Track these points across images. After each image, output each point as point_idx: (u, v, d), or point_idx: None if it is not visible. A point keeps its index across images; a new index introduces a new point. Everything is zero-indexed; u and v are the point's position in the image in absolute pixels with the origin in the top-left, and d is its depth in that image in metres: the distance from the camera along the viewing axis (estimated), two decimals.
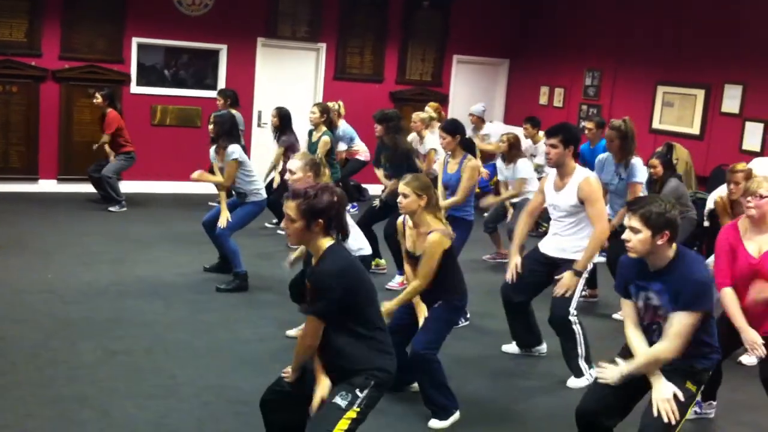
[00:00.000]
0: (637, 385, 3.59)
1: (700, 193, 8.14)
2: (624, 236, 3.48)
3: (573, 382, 5.17)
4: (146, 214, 9.25)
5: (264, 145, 10.54)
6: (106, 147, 9.28)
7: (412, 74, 11.71)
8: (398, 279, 6.80)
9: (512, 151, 7.75)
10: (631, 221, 3.45)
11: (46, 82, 9.80)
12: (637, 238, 3.42)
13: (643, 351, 3.54)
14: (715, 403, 4.80)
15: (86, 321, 5.68)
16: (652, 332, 3.60)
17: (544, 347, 5.64)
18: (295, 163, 5.18)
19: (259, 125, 10.99)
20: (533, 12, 11.88)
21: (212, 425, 4.28)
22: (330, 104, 8.98)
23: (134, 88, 9.98)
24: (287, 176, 5.28)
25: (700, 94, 9.07)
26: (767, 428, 4.78)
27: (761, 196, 4.21)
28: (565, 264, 5.08)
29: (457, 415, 4.51)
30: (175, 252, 7.69)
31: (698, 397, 4.73)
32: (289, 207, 3.30)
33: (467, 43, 11.92)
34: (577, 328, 5.09)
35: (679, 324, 3.41)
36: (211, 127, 6.68)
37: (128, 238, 8.08)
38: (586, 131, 8.02)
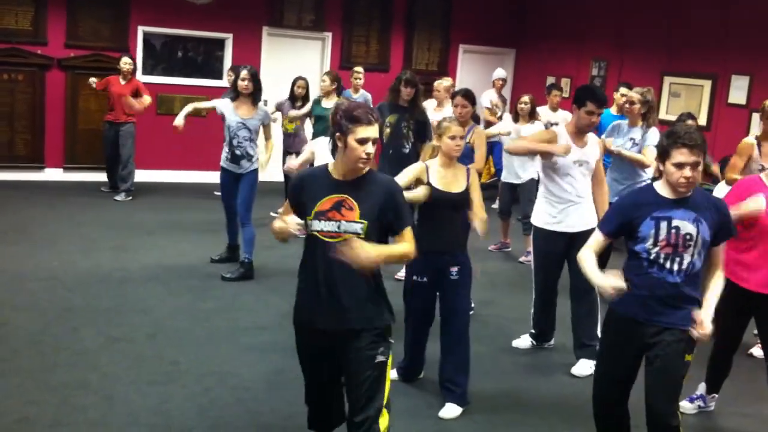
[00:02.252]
0: (637, 355, 3.56)
1: (705, 184, 8.07)
2: (687, 174, 3.24)
3: (578, 369, 5.16)
4: (151, 203, 9.25)
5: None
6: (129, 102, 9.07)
7: (418, 63, 11.65)
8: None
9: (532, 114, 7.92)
10: (691, 157, 3.24)
11: (51, 71, 9.80)
12: (699, 170, 3.29)
13: (708, 294, 3.44)
14: (717, 396, 4.78)
15: (88, 308, 5.69)
16: (672, 262, 3.36)
17: (552, 341, 5.65)
18: None
19: None
20: (539, 1, 11.81)
21: (213, 411, 4.29)
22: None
23: (140, 77, 9.96)
24: None
25: (707, 84, 9.01)
26: None
27: None
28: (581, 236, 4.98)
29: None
30: (179, 240, 7.70)
31: (702, 392, 4.75)
32: (376, 130, 3.24)
33: (473, 32, 11.87)
34: (596, 307, 5.15)
35: (721, 254, 3.49)
36: (245, 83, 6.54)
37: (132, 226, 8.09)
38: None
